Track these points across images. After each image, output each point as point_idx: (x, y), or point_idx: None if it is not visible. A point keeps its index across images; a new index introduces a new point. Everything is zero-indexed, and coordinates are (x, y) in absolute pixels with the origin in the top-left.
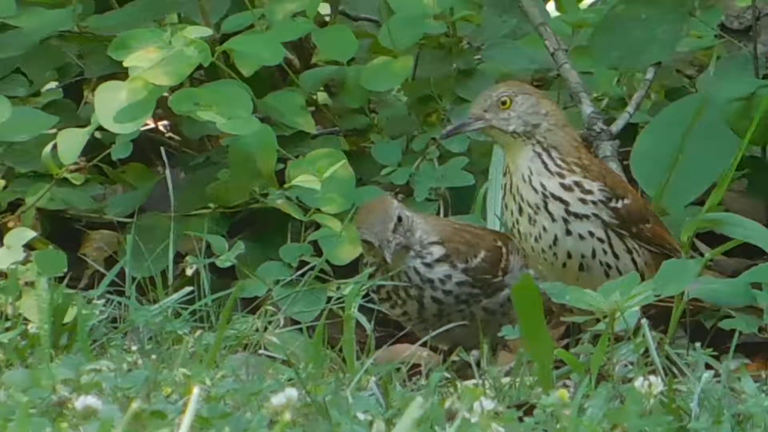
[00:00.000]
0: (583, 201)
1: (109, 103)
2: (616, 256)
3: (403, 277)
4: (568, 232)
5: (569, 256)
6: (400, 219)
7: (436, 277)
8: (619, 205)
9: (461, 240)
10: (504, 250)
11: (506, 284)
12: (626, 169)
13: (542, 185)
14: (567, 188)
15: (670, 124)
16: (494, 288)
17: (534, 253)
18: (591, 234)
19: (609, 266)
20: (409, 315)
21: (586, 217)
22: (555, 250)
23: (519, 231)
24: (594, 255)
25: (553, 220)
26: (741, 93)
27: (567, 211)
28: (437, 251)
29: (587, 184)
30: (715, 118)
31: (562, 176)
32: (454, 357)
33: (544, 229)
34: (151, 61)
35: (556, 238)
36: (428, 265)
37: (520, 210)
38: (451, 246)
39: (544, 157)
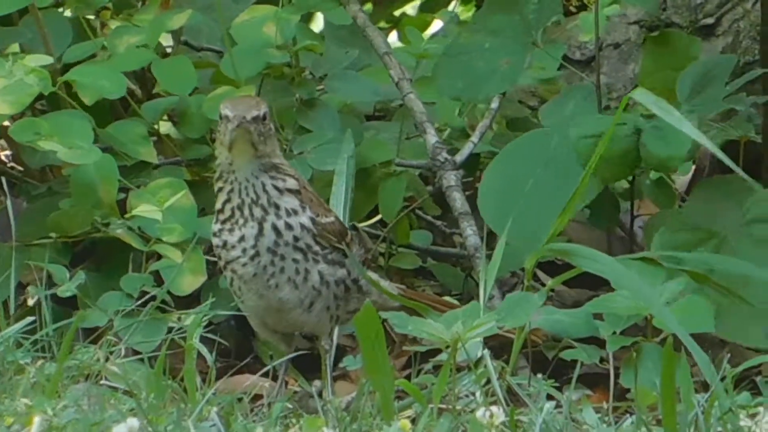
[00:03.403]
0: None
1: None
2: None
3: (250, 191)
4: None
5: None
6: (265, 117)
7: (284, 205)
8: None
9: (316, 198)
10: (349, 232)
11: (346, 266)
12: (469, 199)
13: None
14: None
15: (514, 158)
16: (334, 258)
17: None
18: None
19: None
20: (244, 246)
21: None
22: None
23: None
24: None
25: None
26: (594, 130)
27: None
28: (291, 184)
29: None
30: (562, 150)
31: None
32: (296, 387)
33: None
34: None
35: None
36: (278, 190)
37: None
38: (306, 194)
39: None
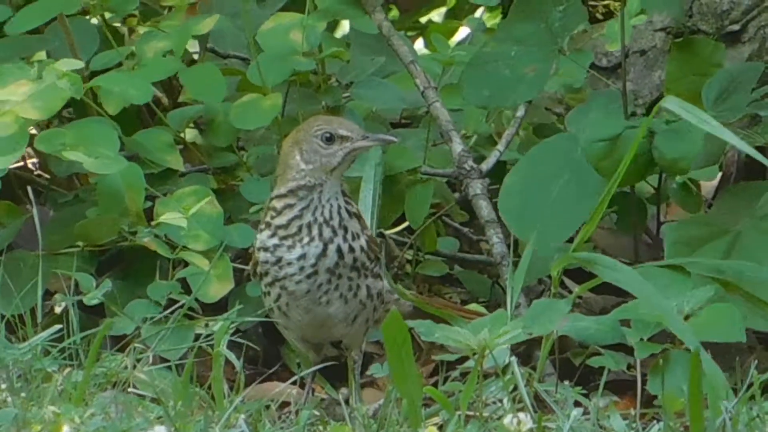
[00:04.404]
0: None
1: None
2: None
3: (326, 211)
4: None
5: None
6: None
7: (351, 228)
8: None
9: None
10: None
11: (382, 277)
12: (496, 207)
13: None
14: None
15: (537, 163)
16: (376, 271)
17: None
18: None
19: None
20: (303, 264)
21: None
22: None
23: None
24: None
25: None
26: (606, 134)
27: None
28: (355, 208)
29: None
30: (582, 155)
31: None
32: (323, 395)
33: None
34: (21, 95)
35: None
36: (348, 213)
37: None
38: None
39: None
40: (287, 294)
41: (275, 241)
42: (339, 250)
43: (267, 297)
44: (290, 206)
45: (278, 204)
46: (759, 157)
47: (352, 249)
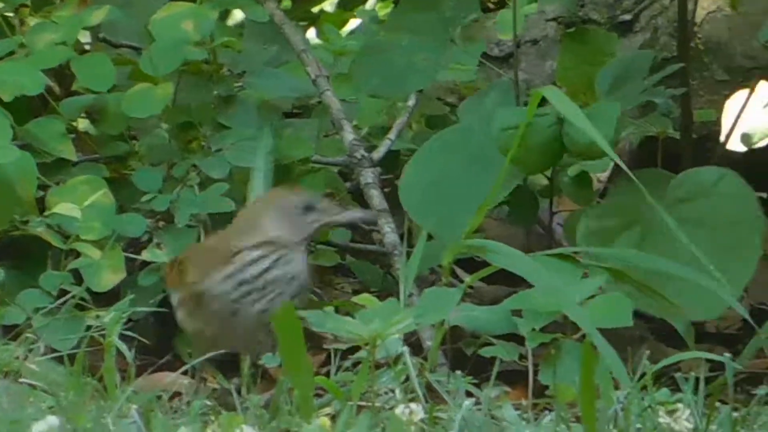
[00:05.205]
0: None
1: None
2: None
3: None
4: None
5: None
6: None
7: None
8: None
9: None
10: None
11: None
12: (387, 197)
13: None
14: None
15: (435, 153)
16: None
17: None
18: None
19: None
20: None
21: None
22: None
23: None
24: None
25: None
26: (514, 122)
27: None
28: None
29: None
30: (483, 145)
31: None
32: (215, 385)
33: None
34: None
35: None
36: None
37: None
38: None
39: None
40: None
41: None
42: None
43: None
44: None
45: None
46: (612, 155)
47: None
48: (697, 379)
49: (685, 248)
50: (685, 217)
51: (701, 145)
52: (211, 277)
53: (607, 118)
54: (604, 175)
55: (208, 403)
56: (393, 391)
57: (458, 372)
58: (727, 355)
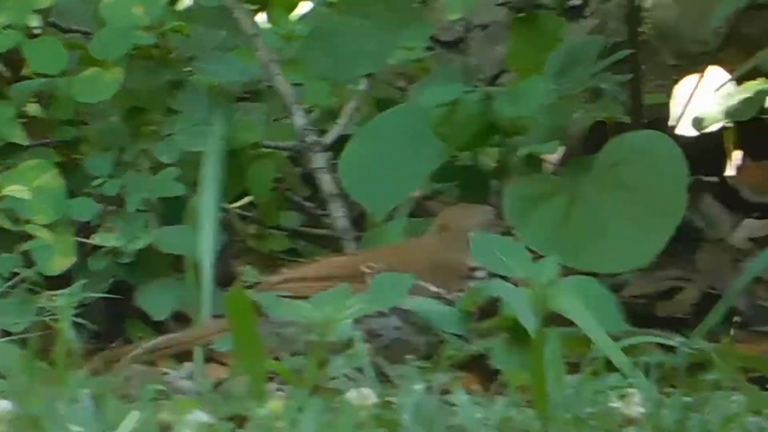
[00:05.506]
0: None
1: None
2: None
3: None
4: None
5: None
6: None
7: None
8: None
9: None
10: None
11: None
12: (339, 182)
13: None
14: None
15: (375, 132)
16: None
17: None
18: None
19: None
20: None
21: None
22: None
23: None
24: None
25: None
26: (445, 99)
27: None
28: None
29: None
30: (422, 124)
31: None
32: (167, 369)
33: None
34: None
35: None
36: None
37: None
38: None
39: None
40: None
41: None
42: None
43: None
44: None
45: None
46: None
47: None
48: (647, 364)
49: (611, 212)
50: (616, 180)
51: (651, 129)
52: None
53: (535, 92)
54: (554, 158)
55: (162, 387)
56: (345, 375)
57: (410, 357)
58: (679, 339)
